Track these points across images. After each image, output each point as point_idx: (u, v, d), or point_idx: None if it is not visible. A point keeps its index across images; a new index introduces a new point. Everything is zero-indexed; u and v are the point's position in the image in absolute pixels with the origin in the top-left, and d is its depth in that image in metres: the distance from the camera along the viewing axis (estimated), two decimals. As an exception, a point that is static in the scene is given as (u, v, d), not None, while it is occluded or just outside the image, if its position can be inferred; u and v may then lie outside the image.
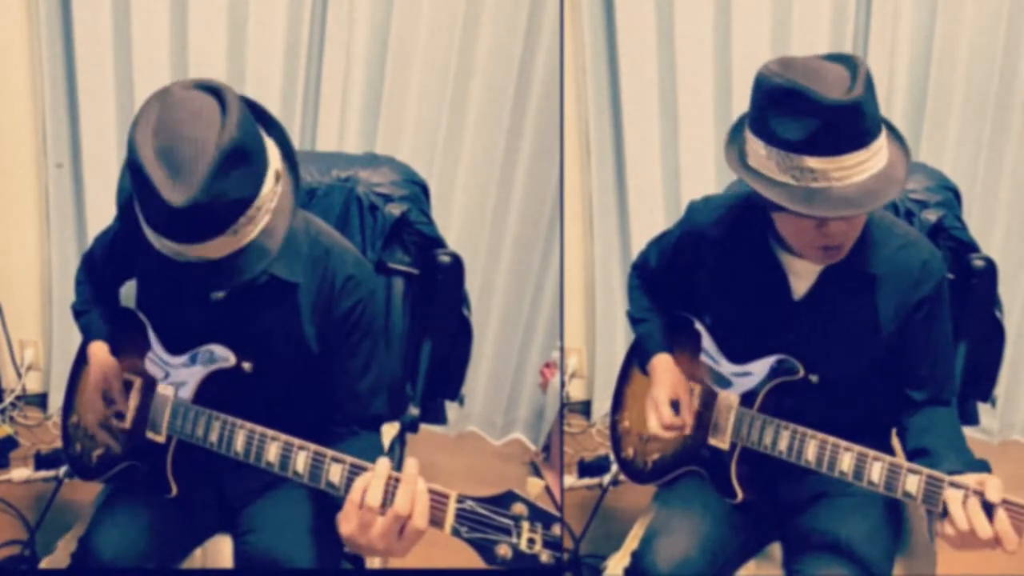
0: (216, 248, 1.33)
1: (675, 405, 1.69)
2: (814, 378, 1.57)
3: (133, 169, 1.31)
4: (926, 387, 1.60)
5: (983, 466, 1.43)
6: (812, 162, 1.37)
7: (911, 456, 1.52)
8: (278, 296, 1.54)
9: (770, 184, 1.42)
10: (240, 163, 1.31)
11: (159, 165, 1.28)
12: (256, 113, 1.42)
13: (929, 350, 1.60)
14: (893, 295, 1.56)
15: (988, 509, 1.34)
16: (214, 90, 1.34)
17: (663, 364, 1.74)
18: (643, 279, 1.86)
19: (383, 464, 1.27)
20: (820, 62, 1.41)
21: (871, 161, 1.39)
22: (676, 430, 1.69)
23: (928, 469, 1.39)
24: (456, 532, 1.22)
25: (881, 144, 1.41)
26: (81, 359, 1.76)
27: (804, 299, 1.58)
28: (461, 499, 1.23)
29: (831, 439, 1.49)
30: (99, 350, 1.67)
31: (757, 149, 1.42)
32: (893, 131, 1.48)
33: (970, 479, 1.37)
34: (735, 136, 1.50)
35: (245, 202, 1.33)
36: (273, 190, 1.38)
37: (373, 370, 1.62)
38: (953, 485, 1.37)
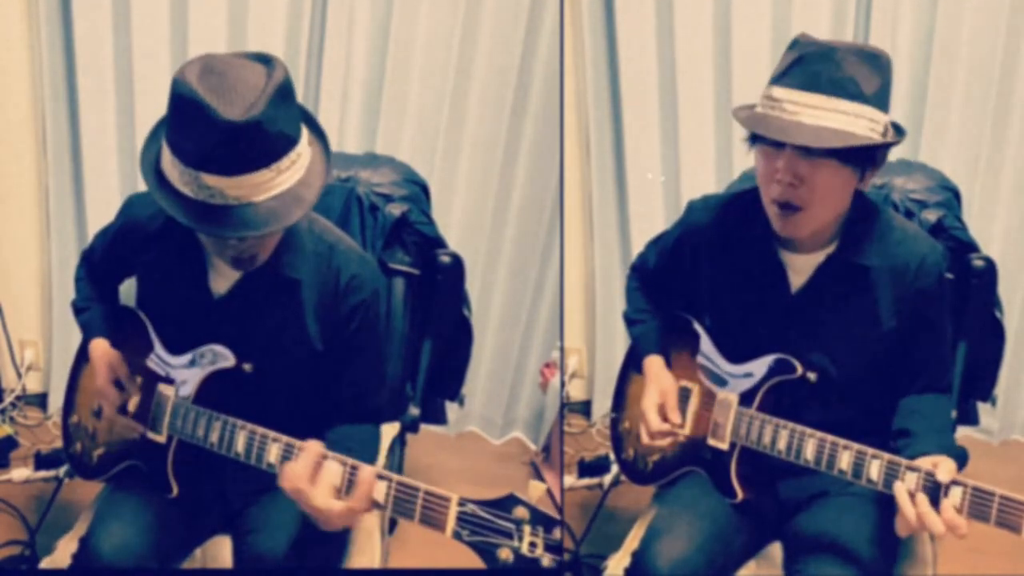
0: (259, 185, 1.33)
1: (663, 410, 1.70)
2: (812, 376, 1.57)
3: (179, 100, 1.31)
4: (922, 375, 1.60)
5: (960, 454, 1.43)
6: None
7: (893, 436, 1.53)
8: (281, 293, 1.54)
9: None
10: (289, 103, 1.34)
11: (212, 94, 1.29)
12: None
13: (926, 340, 1.60)
14: (891, 289, 1.56)
15: (941, 490, 1.35)
16: (259, 56, 1.37)
17: (653, 367, 1.74)
18: (641, 280, 1.86)
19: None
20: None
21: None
22: (669, 436, 1.69)
23: (927, 466, 1.38)
24: (457, 535, 1.22)
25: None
26: (81, 357, 1.76)
27: (801, 293, 1.59)
28: (463, 502, 1.23)
29: (830, 437, 1.49)
30: (101, 345, 1.67)
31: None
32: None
33: (925, 462, 1.38)
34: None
35: (292, 140, 1.35)
36: (308, 144, 1.40)
37: (375, 368, 1.63)
38: (911, 469, 1.38)
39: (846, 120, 1.43)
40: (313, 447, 1.36)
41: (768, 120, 1.46)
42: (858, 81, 1.44)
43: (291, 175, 1.37)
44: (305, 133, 1.42)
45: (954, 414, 1.87)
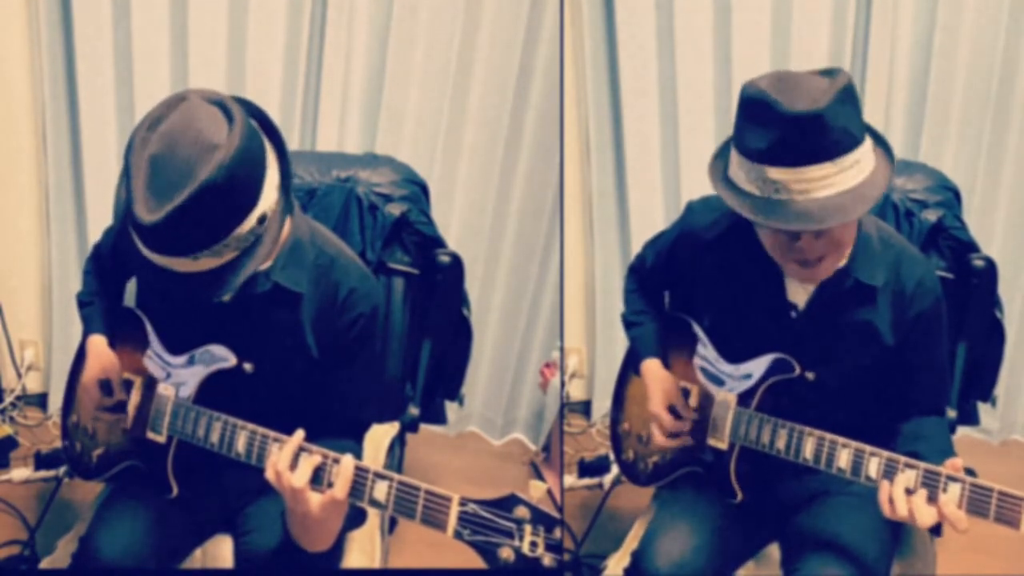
0: (192, 264, 1.34)
1: (673, 409, 1.70)
2: (811, 375, 1.57)
3: (125, 171, 1.33)
4: (921, 399, 1.61)
5: (967, 473, 1.43)
6: (774, 173, 1.36)
7: None
8: (281, 303, 1.55)
9: (736, 193, 1.42)
10: (222, 199, 1.30)
11: (146, 175, 1.30)
12: (264, 126, 1.42)
13: (926, 364, 1.60)
14: (889, 308, 1.56)
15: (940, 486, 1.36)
16: (228, 112, 1.33)
17: (652, 370, 1.74)
18: (639, 282, 1.86)
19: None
20: (805, 75, 1.39)
21: (839, 176, 1.37)
22: (681, 436, 1.69)
23: (924, 463, 1.39)
24: (459, 535, 1.22)
25: (856, 159, 1.38)
26: (80, 357, 1.76)
27: (804, 308, 1.58)
28: (464, 502, 1.23)
29: (828, 435, 1.50)
30: (98, 343, 1.68)
31: (733, 158, 1.43)
32: (881, 143, 1.46)
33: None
34: (724, 150, 1.50)
35: (216, 235, 1.32)
36: (253, 231, 1.36)
37: (366, 383, 1.63)
38: (909, 466, 1.39)
39: (852, 175, 1.38)
40: (295, 438, 1.38)
41: (783, 209, 1.39)
42: (851, 130, 1.37)
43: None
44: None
45: (954, 414, 1.88)
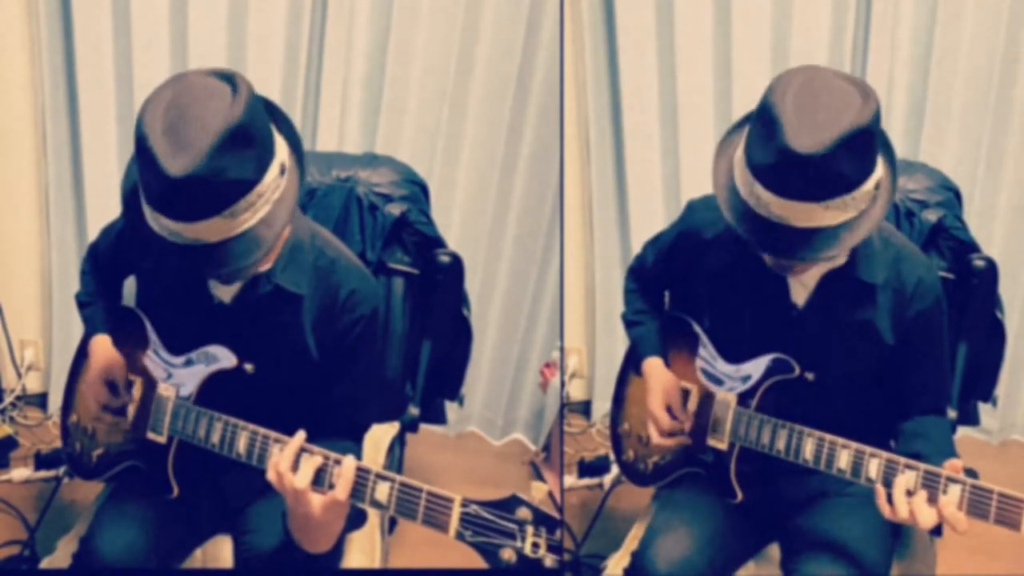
0: (212, 230, 1.32)
1: (669, 409, 1.70)
2: (810, 376, 1.57)
3: (138, 142, 1.31)
4: (922, 398, 1.60)
5: (969, 474, 1.43)
6: (762, 191, 1.36)
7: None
8: (282, 305, 1.55)
9: (731, 194, 1.42)
10: (244, 145, 1.30)
11: (164, 139, 1.28)
12: (267, 107, 1.42)
13: (926, 363, 1.60)
14: (889, 307, 1.56)
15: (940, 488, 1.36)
16: (228, 77, 1.34)
17: (654, 368, 1.74)
18: (638, 281, 1.86)
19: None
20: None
21: (824, 214, 1.35)
22: (678, 436, 1.69)
23: (924, 465, 1.39)
24: (460, 536, 1.22)
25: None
26: (80, 356, 1.76)
27: (804, 306, 1.58)
28: (465, 503, 1.23)
29: (828, 436, 1.49)
30: (103, 342, 1.68)
31: (739, 156, 1.42)
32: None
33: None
34: (740, 126, 1.47)
35: (245, 184, 1.32)
36: (276, 181, 1.37)
37: (367, 385, 1.62)
38: (909, 468, 1.39)
39: (839, 215, 1.37)
40: (296, 439, 1.38)
41: (756, 225, 1.40)
42: (847, 175, 1.34)
43: (252, 214, 1.34)
44: (282, 146, 1.40)
45: (954, 414, 1.88)
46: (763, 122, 1.35)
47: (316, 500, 1.34)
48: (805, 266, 1.50)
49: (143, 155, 1.30)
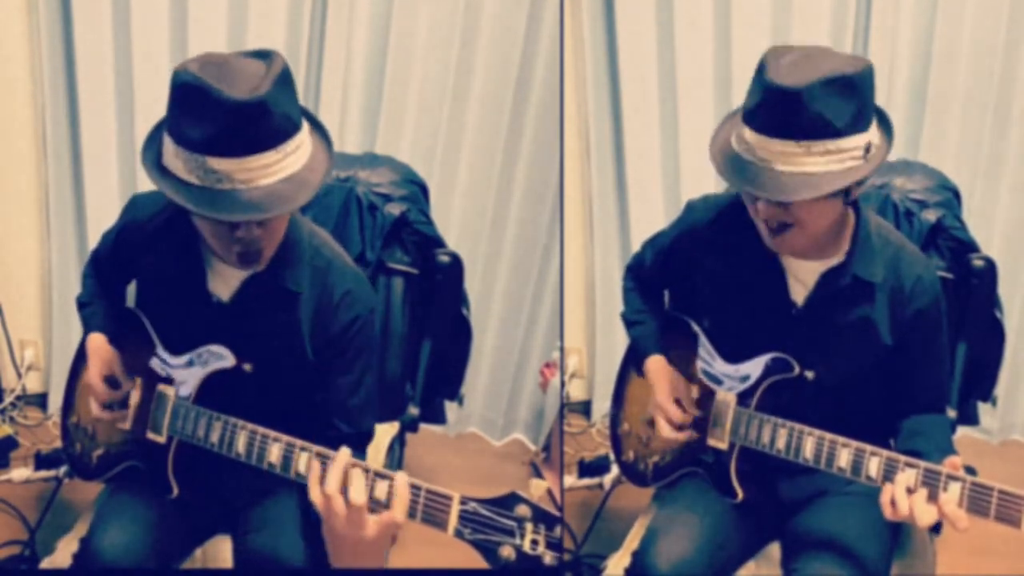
0: (266, 167, 1.34)
1: (678, 403, 1.70)
2: (810, 375, 1.57)
3: (184, 87, 1.32)
4: (921, 397, 1.61)
5: (968, 472, 1.43)
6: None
7: None
8: (280, 303, 1.55)
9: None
10: (291, 90, 1.36)
11: (215, 79, 1.31)
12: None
13: (925, 361, 1.60)
14: (888, 306, 1.56)
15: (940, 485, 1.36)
16: (255, 52, 1.39)
17: (657, 366, 1.74)
18: (637, 280, 1.86)
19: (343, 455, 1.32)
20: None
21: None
22: (688, 429, 1.68)
23: (924, 463, 1.39)
24: (459, 534, 1.22)
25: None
26: (80, 357, 1.76)
27: (803, 305, 1.58)
28: (464, 501, 1.23)
29: (828, 435, 1.49)
30: (97, 340, 1.67)
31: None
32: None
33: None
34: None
35: (296, 124, 1.37)
36: (309, 133, 1.42)
37: (364, 388, 1.62)
38: (909, 466, 1.39)
39: (822, 162, 1.38)
40: (342, 456, 1.32)
41: (740, 168, 1.42)
42: (828, 118, 1.36)
43: (297, 159, 1.38)
44: (306, 125, 1.43)
45: (954, 414, 1.88)
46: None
47: (372, 521, 1.28)
48: (797, 242, 1.49)
49: (190, 96, 1.31)
